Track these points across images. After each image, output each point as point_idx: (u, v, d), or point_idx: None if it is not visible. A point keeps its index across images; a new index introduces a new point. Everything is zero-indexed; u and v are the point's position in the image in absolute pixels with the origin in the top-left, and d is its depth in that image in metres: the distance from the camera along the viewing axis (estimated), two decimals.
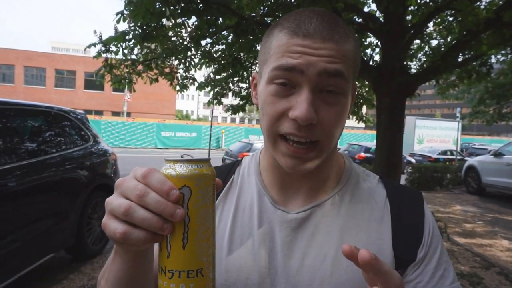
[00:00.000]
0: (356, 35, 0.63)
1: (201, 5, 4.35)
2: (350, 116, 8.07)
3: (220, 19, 4.92)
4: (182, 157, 0.46)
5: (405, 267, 0.64)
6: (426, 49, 7.47)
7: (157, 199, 0.42)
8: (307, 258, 0.63)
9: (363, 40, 6.79)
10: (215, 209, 0.47)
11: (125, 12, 4.25)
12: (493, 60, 7.14)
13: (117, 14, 4.27)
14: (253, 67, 7.11)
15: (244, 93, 7.56)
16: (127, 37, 4.74)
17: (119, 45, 5.36)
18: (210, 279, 0.46)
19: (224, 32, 5.71)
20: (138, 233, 0.43)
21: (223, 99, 7.60)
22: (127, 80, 6.21)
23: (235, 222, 0.69)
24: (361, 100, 8.24)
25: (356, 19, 5.89)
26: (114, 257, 0.54)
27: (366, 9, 6.47)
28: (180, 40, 6.02)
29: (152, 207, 0.42)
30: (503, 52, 7.54)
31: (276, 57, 0.57)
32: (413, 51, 7.37)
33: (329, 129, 0.58)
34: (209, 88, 7.23)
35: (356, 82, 0.65)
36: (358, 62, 0.61)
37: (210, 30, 5.08)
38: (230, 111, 7.80)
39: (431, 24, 6.77)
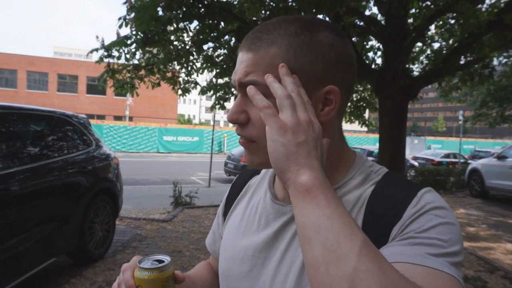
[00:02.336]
0: (315, 34, 0.60)
1: (203, 9, 4.37)
2: (353, 119, 8.07)
3: (222, 23, 4.94)
4: (150, 262, 0.65)
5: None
6: (428, 52, 7.46)
7: None
8: (290, 249, 0.66)
9: (365, 43, 6.79)
10: None
11: (127, 17, 4.27)
12: (495, 62, 7.14)
13: (119, 19, 4.29)
14: None
15: None
16: (129, 42, 4.75)
17: (121, 50, 5.39)
18: None
19: (226, 37, 5.73)
20: None
21: (225, 103, 7.60)
22: (129, 85, 6.23)
23: (244, 217, 0.77)
24: (364, 104, 8.23)
25: (358, 23, 5.89)
26: None
27: (367, 13, 6.48)
28: (182, 45, 6.05)
29: None
30: (505, 54, 7.53)
31: None
32: (415, 54, 7.37)
33: (261, 128, 0.58)
34: (212, 92, 7.24)
35: (332, 86, 0.60)
36: (301, 63, 0.58)
37: (212, 34, 5.10)
38: None
39: (432, 27, 6.77)
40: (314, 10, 3.75)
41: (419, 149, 29.90)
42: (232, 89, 7.50)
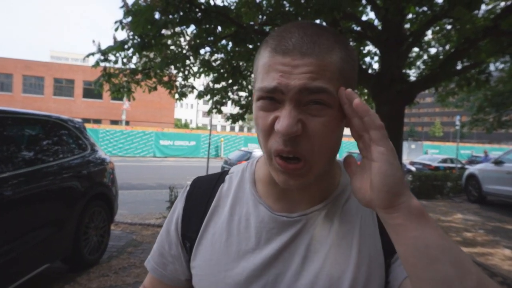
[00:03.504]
0: (349, 44, 0.62)
1: (199, 14, 4.36)
2: None
3: (219, 27, 4.93)
4: None
5: (391, 257, 0.65)
6: (425, 57, 7.50)
7: None
8: (308, 261, 0.63)
9: (362, 48, 6.81)
10: None
11: (124, 21, 4.25)
12: (492, 68, 7.17)
13: (115, 22, 4.27)
14: (252, 75, 7.10)
15: (243, 102, 7.55)
16: (126, 46, 4.74)
17: (117, 54, 5.37)
18: None
19: (223, 41, 5.72)
20: None
21: (222, 108, 7.59)
22: (125, 89, 6.20)
23: (231, 235, 0.69)
24: None
25: (355, 28, 5.91)
26: None
27: (364, 18, 6.51)
28: (179, 49, 6.03)
29: None
30: (501, 59, 7.57)
31: (261, 77, 0.58)
32: (411, 59, 7.40)
33: (317, 141, 0.57)
34: (209, 96, 7.22)
35: (356, 91, 0.63)
36: (349, 73, 0.60)
37: (209, 38, 5.09)
38: (230, 120, 7.79)
39: (429, 32, 6.81)
40: (311, 15, 3.75)
41: (416, 154, 29.97)
42: (243, 96, 7.50)
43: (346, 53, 0.59)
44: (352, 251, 0.63)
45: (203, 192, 0.76)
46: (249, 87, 7.27)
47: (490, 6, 6.19)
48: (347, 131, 0.62)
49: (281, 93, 0.55)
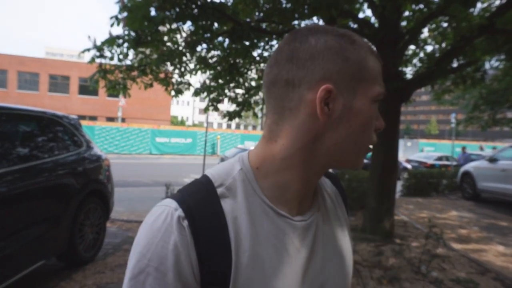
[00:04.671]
0: None
1: (196, 10, 4.34)
2: None
3: (216, 24, 4.91)
4: None
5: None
6: (421, 55, 7.51)
7: None
8: (327, 263, 0.67)
9: None
10: None
11: (119, 16, 4.23)
12: (487, 66, 7.20)
13: (111, 18, 4.25)
14: (249, 73, 7.07)
15: (240, 99, 7.53)
16: (120, 41, 4.71)
17: (113, 50, 5.33)
18: None
19: (220, 38, 5.70)
20: None
21: (218, 105, 7.56)
22: (121, 86, 6.16)
23: (264, 260, 0.59)
24: None
25: (351, 25, 5.91)
26: None
27: (361, 15, 6.50)
28: (175, 46, 6.00)
29: None
30: (496, 57, 7.60)
31: (378, 81, 0.64)
32: (408, 56, 7.41)
33: None
34: (205, 94, 7.20)
35: None
36: None
37: (205, 35, 5.07)
38: (226, 117, 7.77)
39: (425, 30, 6.82)
40: (308, 13, 3.75)
41: (412, 152, 30.09)
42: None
43: None
44: (348, 243, 0.74)
45: (209, 217, 0.58)
46: (246, 84, 7.26)
47: (485, 4, 6.21)
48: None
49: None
